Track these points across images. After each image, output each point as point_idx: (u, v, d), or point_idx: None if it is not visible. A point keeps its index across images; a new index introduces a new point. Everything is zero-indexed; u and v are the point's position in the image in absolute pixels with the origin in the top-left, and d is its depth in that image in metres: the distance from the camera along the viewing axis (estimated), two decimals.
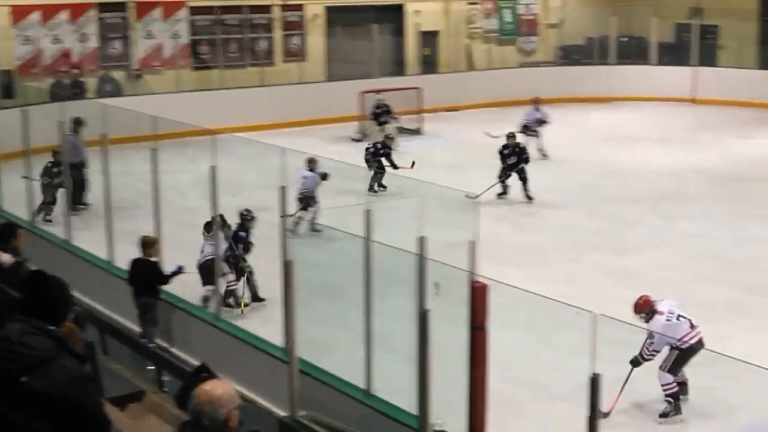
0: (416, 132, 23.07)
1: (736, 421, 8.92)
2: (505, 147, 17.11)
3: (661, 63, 28.50)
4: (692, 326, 9.02)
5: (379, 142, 18.40)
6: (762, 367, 6.99)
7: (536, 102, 20.86)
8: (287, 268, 8.57)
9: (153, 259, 10.67)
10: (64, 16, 23.00)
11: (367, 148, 18.27)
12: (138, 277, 10.57)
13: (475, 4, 29.61)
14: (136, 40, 24.08)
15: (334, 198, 15.72)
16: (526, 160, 17.00)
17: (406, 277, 7.97)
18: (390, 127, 22.11)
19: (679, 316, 9.14)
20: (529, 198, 16.83)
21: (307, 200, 14.69)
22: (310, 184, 14.90)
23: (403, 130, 22.55)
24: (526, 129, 19.95)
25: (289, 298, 8.57)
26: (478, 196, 14.76)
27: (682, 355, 8.97)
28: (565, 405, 8.57)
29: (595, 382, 6.37)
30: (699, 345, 8.98)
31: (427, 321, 7.51)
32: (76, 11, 23.16)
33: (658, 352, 9.04)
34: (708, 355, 8.51)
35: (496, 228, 15.10)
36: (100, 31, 23.60)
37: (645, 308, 9.26)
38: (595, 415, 6.41)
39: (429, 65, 28.18)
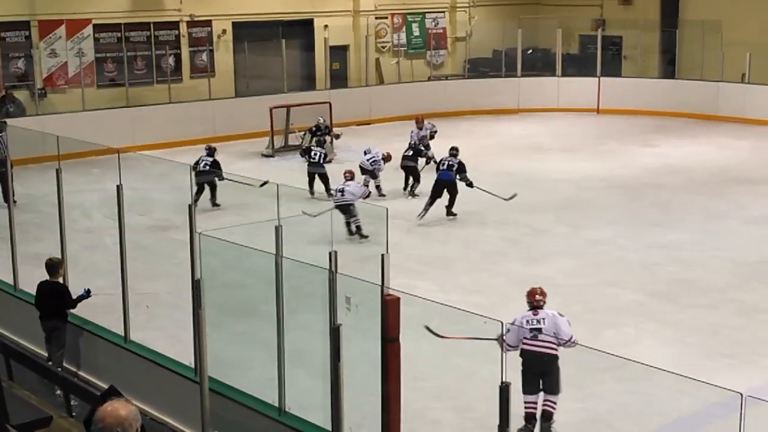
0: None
1: (645, 425, 9.09)
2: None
3: (566, 74, 29.03)
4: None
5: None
6: (667, 371, 7.15)
7: (418, 120, 20.94)
8: (196, 287, 8.49)
9: (59, 281, 10.47)
10: None
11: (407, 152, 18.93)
12: (45, 299, 10.35)
13: (384, 18, 29.82)
14: (40, 58, 23.65)
15: (245, 214, 15.65)
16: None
17: (318, 292, 7.97)
18: (328, 147, 21.96)
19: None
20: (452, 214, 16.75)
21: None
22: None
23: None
24: (417, 152, 19.46)
25: (198, 317, 8.48)
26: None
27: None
28: (477, 414, 8.65)
29: (504, 390, 6.44)
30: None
31: (339, 336, 7.51)
32: None
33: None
34: (615, 360, 8.66)
35: (407, 239, 15.20)
36: (2, 50, 23.12)
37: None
38: (505, 423, 6.48)
39: (338, 79, 28.25)
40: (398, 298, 7.38)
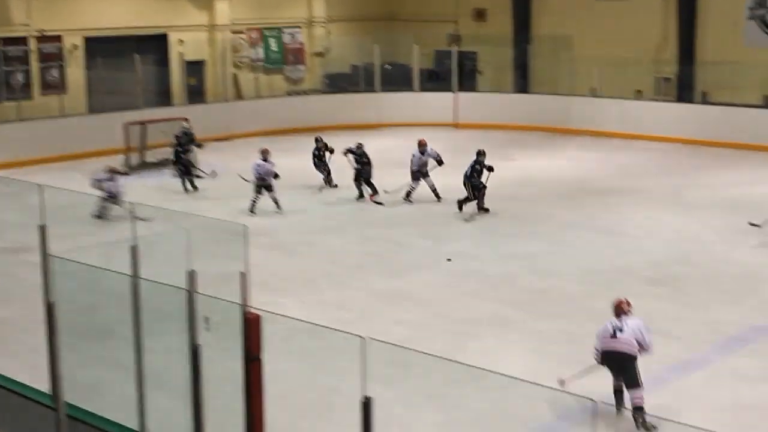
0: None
1: None
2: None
3: (424, 89, 29.43)
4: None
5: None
6: (525, 380, 7.30)
7: (420, 144, 20.00)
8: (50, 310, 8.21)
9: None
10: None
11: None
12: None
13: (240, 33, 29.62)
14: None
15: (100, 234, 15.28)
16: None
17: (177, 313, 7.82)
18: (192, 155, 21.57)
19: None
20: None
21: (263, 185, 18.04)
22: (264, 170, 18.07)
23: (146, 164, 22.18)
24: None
25: (53, 341, 8.20)
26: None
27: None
28: (341, 429, 8.63)
29: (366, 405, 6.45)
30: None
31: (199, 356, 7.39)
32: None
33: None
34: (476, 371, 8.78)
35: (268, 257, 15.09)
36: None
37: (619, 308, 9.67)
38: None
39: (196, 95, 27.89)
40: (259, 316, 7.30)
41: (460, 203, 17.97)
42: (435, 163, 19.51)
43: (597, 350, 9.52)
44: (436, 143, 25.99)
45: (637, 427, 8.99)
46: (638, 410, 9.06)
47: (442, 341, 11.52)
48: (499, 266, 14.77)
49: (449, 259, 13.31)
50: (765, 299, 13.24)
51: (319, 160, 20.30)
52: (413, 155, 19.57)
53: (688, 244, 15.98)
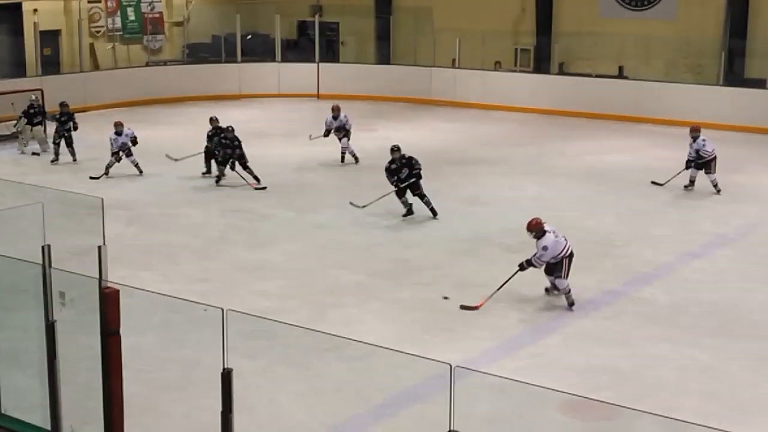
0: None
1: (369, 400, 9.35)
2: (391, 162, 15.87)
3: (286, 60, 29.26)
4: (565, 240, 11.92)
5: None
6: (386, 347, 7.42)
7: (333, 109, 20.52)
8: None
9: None
10: None
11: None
12: None
13: (97, 2, 28.83)
14: None
15: None
16: (419, 174, 15.80)
17: (32, 288, 7.64)
18: (39, 130, 20.93)
19: (556, 234, 11.82)
20: (435, 213, 15.97)
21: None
22: (118, 144, 18.38)
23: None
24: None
25: None
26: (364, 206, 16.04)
27: (561, 261, 11.83)
28: (202, 402, 8.60)
29: (226, 377, 6.46)
30: (571, 253, 11.89)
31: (55, 332, 7.26)
32: None
33: (545, 262, 11.80)
34: (337, 340, 8.88)
35: (127, 230, 14.84)
36: None
37: (536, 228, 11.82)
38: (228, 408, 6.50)
39: (51, 66, 27.02)
40: (117, 291, 7.21)
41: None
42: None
43: (555, 257, 11.78)
44: (298, 114, 26.05)
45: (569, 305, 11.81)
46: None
47: (305, 312, 11.58)
48: (361, 236, 14.89)
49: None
50: (617, 264, 13.74)
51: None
52: (327, 119, 20.55)
53: (545, 211, 16.36)
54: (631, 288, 12.76)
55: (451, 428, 5.90)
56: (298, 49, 30.38)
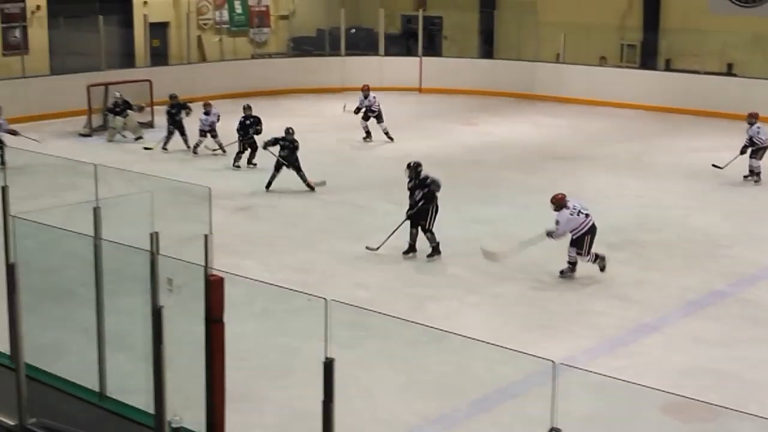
0: (148, 125, 22.59)
1: (466, 395, 9.33)
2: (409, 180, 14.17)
3: (389, 54, 29.34)
4: (587, 216, 12.52)
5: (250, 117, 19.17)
6: (486, 342, 7.38)
7: (364, 89, 21.65)
8: (10, 271, 8.18)
9: None
10: None
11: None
12: None
13: None
14: None
15: (61, 196, 15.17)
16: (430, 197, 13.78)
17: (140, 274, 7.81)
18: (131, 120, 21.69)
19: (579, 211, 12.49)
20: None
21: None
22: (207, 123, 19.73)
23: (142, 125, 22.16)
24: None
25: (13, 302, 8.18)
26: None
27: (581, 238, 12.47)
28: (301, 391, 8.68)
29: (328, 366, 6.50)
30: (592, 229, 12.50)
31: (161, 318, 7.39)
32: None
33: (562, 236, 12.49)
34: (436, 333, 8.86)
35: (231, 219, 15.07)
36: None
37: (555, 202, 12.54)
38: (330, 398, 6.55)
39: (159, 57, 27.63)
40: (222, 279, 7.31)
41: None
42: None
43: (575, 231, 12.46)
44: (400, 107, 26.09)
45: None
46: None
47: (403, 304, 11.61)
48: (461, 230, 14.84)
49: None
50: (723, 264, 13.43)
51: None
52: (360, 100, 21.58)
53: (648, 209, 16.15)
54: (737, 289, 12.46)
55: (553, 426, 5.84)
56: (401, 43, 30.42)
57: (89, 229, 8.07)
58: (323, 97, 27.08)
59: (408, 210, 13.61)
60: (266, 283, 8.74)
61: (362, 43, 30.16)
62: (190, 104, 20.63)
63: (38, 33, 25.61)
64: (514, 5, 29.27)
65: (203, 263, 7.23)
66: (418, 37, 28.97)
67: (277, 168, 17.04)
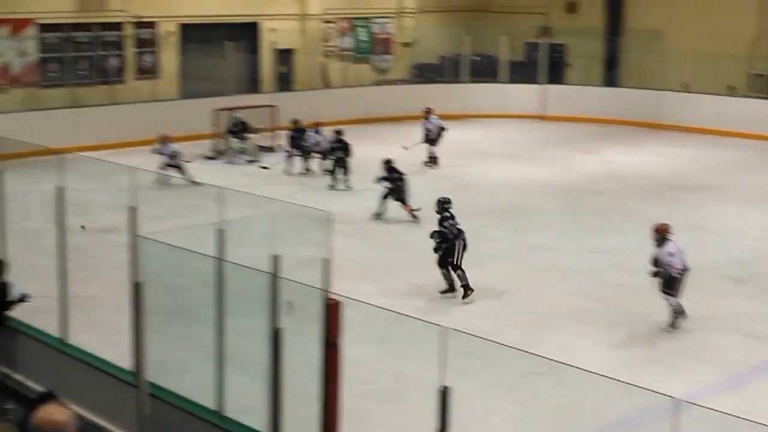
0: (271, 149, 23.03)
1: (582, 429, 9.19)
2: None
3: (511, 81, 29.26)
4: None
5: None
6: (604, 375, 7.26)
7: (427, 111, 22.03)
8: (137, 289, 8.43)
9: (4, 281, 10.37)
10: None
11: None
12: None
13: (331, 22, 29.81)
14: None
15: (186, 217, 15.57)
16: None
17: (260, 295, 7.95)
18: (250, 142, 22.21)
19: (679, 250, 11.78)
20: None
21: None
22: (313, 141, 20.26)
23: (259, 148, 22.62)
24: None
25: (138, 320, 8.43)
26: None
27: (676, 279, 11.65)
28: (416, 416, 8.69)
29: (444, 394, 6.50)
30: (685, 271, 11.71)
31: (280, 339, 7.51)
32: None
33: (679, 270, 11.61)
34: (553, 365, 8.76)
35: (348, 243, 15.20)
36: None
37: (660, 233, 11.94)
38: (444, 426, 6.53)
39: (285, 83, 28.19)
40: (339, 302, 7.39)
41: None
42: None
43: (678, 267, 11.61)
44: (521, 134, 25.98)
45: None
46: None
47: (519, 333, 11.51)
48: (581, 260, 14.65)
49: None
50: None
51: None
52: (423, 122, 21.85)
53: None
54: None
55: None
56: (524, 70, 30.31)
57: (213, 250, 8.26)
58: (445, 124, 27.11)
59: (433, 249, 13.19)
60: (382, 308, 8.76)
61: (484, 71, 30.16)
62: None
63: (169, 58, 26.41)
64: (640, 33, 28.84)
65: (322, 287, 7.32)
66: (541, 65, 28.81)
67: (385, 197, 17.18)
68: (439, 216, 13.36)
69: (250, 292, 8.74)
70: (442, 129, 21.75)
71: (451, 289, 13.04)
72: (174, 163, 19.41)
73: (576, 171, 21.37)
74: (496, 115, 28.08)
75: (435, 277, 13.88)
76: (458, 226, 13.16)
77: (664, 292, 11.76)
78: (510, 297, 13.01)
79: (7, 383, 9.10)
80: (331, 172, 19.48)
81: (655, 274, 11.78)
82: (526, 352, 8.93)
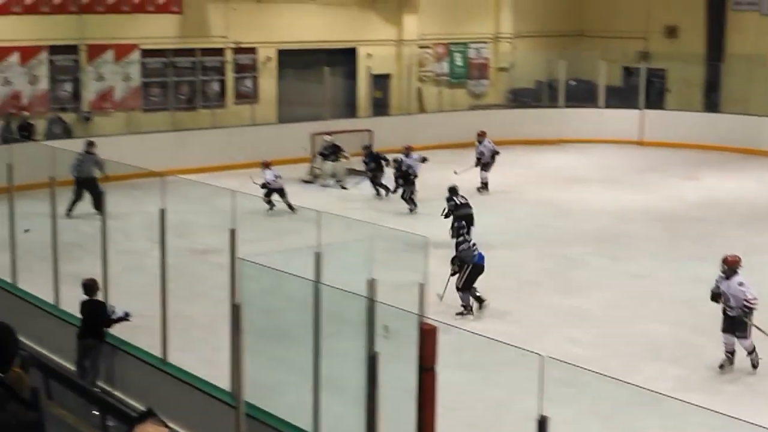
0: (364, 173, 23.16)
1: None
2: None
3: (609, 106, 28.94)
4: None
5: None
6: (706, 408, 7.11)
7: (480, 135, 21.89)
8: (236, 311, 8.56)
9: (99, 299, 10.64)
10: (14, 58, 22.89)
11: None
12: (83, 318, 10.52)
13: (427, 48, 29.93)
14: (87, 82, 23.99)
15: (284, 240, 15.75)
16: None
17: (355, 318, 8.00)
18: (340, 165, 22.39)
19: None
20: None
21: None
22: (406, 165, 19.67)
23: (353, 172, 22.75)
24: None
25: (237, 341, 8.54)
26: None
27: (750, 319, 11.19)
28: None
29: (542, 424, 6.43)
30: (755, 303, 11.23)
31: (376, 364, 7.53)
32: (27, 53, 23.06)
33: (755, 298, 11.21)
34: (652, 396, 8.59)
35: (443, 268, 15.16)
36: (51, 73, 23.48)
37: (731, 266, 11.58)
38: None
39: (380, 108, 28.37)
40: (436, 328, 7.40)
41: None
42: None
43: (750, 297, 11.22)
44: (618, 160, 25.65)
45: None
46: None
47: (616, 363, 11.32)
48: (681, 289, 14.36)
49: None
50: None
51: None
52: (477, 146, 21.65)
53: None
54: None
55: None
56: (622, 95, 29.94)
57: (310, 273, 8.33)
58: (540, 149, 26.99)
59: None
60: (478, 333, 8.74)
61: (582, 95, 29.89)
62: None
63: (268, 83, 26.84)
64: (743, 57, 28.26)
65: (417, 311, 7.34)
66: (640, 90, 28.44)
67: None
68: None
69: (346, 315, 8.81)
70: (496, 153, 21.52)
71: (469, 310, 13.36)
72: (276, 186, 19.57)
73: (676, 197, 21.00)
74: (592, 141, 27.77)
75: (532, 303, 13.78)
76: (474, 250, 13.68)
77: (737, 336, 11.25)
78: (607, 325, 12.82)
79: (108, 401, 9.31)
80: (405, 198, 19.56)
81: (731, 311, 11.32)
82: (624, 381, 8.80)
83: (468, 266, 13.36)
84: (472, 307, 13.36)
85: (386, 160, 20.99)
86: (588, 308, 13.50)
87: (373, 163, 21.02)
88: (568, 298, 14.03)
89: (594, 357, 11.29)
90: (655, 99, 29.45)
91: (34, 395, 5.61)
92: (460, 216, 15.95)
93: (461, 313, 13.24)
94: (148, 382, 10.23)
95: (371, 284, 7.61)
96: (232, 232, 9.10)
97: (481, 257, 13.54)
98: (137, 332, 11.11)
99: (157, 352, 10.25)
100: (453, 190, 16.80)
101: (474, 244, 13.69)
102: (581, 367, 8.64)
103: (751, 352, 11.19)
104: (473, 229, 15.43)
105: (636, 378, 10.25)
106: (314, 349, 8.38)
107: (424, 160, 19.89)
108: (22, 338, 9.29)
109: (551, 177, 23.26)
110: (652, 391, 8.34)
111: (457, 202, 16.53)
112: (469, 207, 16.57)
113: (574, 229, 18.06)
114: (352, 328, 8.30)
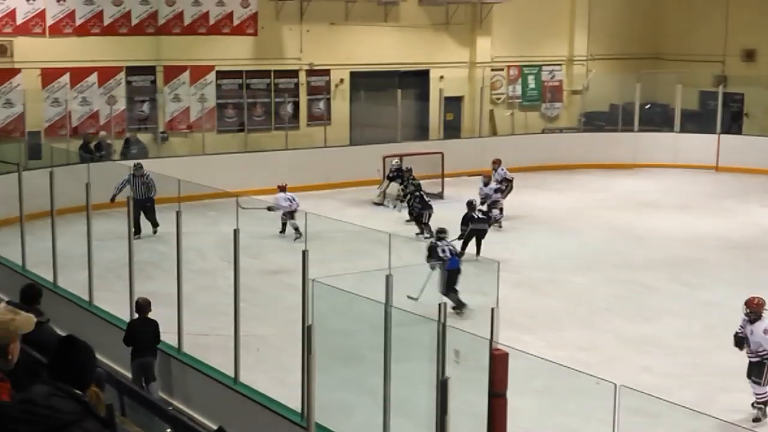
0: (438, 196, 23.14)
1: None
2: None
3: (685, 130, 28.50)
4: None
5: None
6: None
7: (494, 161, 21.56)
8: (307, 332, 8.60)
9: (152, 318, 10.87)
10: (92, 79, 23.41)
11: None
12: (141, 337, 10.75)
13: (500, 70, 29.88)
14: (164, 103, 24.42)
15: (354, 261, 15.79)
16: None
17: (425, 342, 7.99)
18: (393, 187, 22.33)
19: None
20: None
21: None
22: (482, 193, 19.70)
23: (428, 195, 22.75)
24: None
25: (308, 362, 8.58)
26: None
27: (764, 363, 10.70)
28: None
29: None
30: None
31: (447, 389, 7.50)
32: (105, 74, 23.58)
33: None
34: (728, 427, 8.45)
35: (514, 293, 15.08)
36: (128, 93, 23.96)
37: (755, 309, 10.88)
38: None
39: (452, 130, 28.36)
40: (506, 353, 7.36)
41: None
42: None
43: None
44: (693, 186, 25.27)
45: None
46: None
47: (690, 392, 11.13)
48: None
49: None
50: None
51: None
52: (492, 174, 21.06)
53: None
54: None
55: None
56: (698, 119, 29.51)
57: (380, 295, 8.35)
58: (613, 173, 26.72)
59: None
60: (549, 360, 8.64)
61: (657, 119, 29.53)
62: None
63: (340, 105, 27.03)
64: None
65: (488, 336, 7.31)
66: (717, 114, 28.00)
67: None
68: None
69: (417, 338, 8.80)
70: (509, 181, 21.14)
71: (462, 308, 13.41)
72: (291, 209, 19.27)
73: (753, 224, 20.61)
74: (667, 165, 27.40)
75: (604, 329, 13.62)
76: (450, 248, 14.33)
77: (752, 381, 10.82)
78: (681, 354, 12.61)
79: (181, 419, 9.40)
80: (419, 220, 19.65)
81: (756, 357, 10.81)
82: (700, 412, 8.64)
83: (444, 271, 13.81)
84: (465, 304, 13.45)
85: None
86: (662, 336, 13.30)
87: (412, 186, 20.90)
88: (640, 325, 13.84)
89: (667, 386, 11.11)
90: (732, 124, 28.98)
91: (109, 412, 5.73)
92: (473, 230, 16.82)
93: (458, 313, 13.17)
94: (219, 401, 10.32)
95: (442, 308, 7.59)
96: (304, 254, 9.16)
97: (454, 262, 14.07)
98: (210, 351, 11.25)
99: (229, 371, 10.34)
100: (470, 205, 17.37)
101: (451, 251, 14.34)
102: (656, 397, 8.53)
103: (763, 404, 10.74)
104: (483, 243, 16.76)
105: (711, 409, 10.07)
106: (385, 371, 8.38)
107: (499, 190, 19.80)
108: (98, 356, 9.47)
109: (624, 202, 22.99)
110: (729, 422, 8.20)
111: (474, 216, 17.20)
112: (484, 223, 17.33)
113: (647, 255, 17.82)
114: (421, 350, 8.29)
